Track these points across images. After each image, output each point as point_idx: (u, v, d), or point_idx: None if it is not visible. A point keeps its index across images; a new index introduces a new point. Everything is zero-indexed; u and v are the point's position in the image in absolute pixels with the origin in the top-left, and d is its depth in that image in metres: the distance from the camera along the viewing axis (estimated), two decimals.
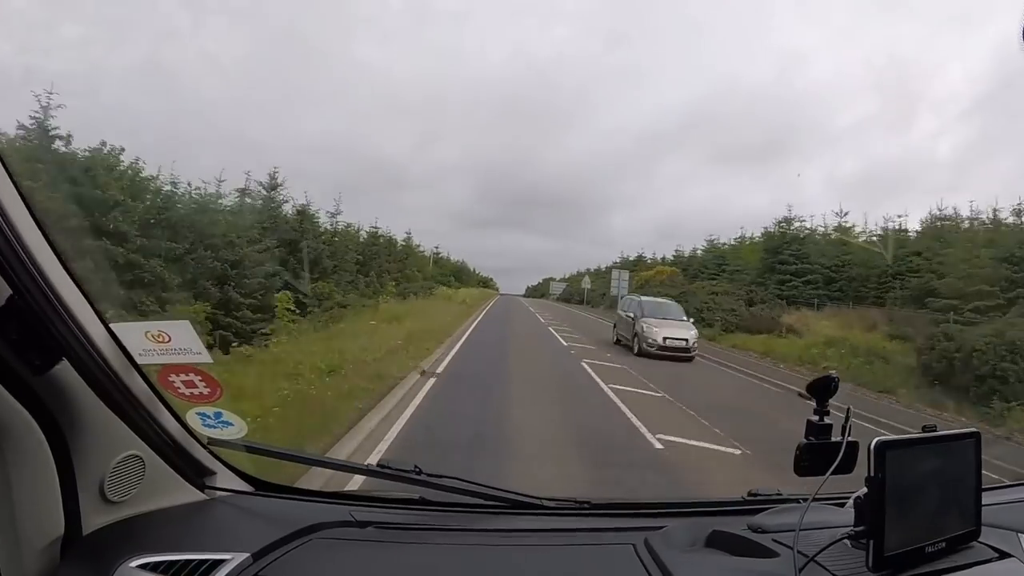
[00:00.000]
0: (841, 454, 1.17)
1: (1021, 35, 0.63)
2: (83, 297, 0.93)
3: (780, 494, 1.47)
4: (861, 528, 1.01)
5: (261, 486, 1.34)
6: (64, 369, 0.90)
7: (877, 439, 1.00)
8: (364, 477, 1.75)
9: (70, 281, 0.90)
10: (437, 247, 54.20)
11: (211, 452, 1.25)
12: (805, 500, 1.38)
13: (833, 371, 1.25)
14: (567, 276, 72.56)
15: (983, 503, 1.14)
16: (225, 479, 1.28)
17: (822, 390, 1.21)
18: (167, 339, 1.06)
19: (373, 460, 1.63)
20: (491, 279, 79.60)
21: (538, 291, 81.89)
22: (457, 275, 60.37)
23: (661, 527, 1.23)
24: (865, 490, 1.01)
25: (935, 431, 1.10)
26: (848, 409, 1.21)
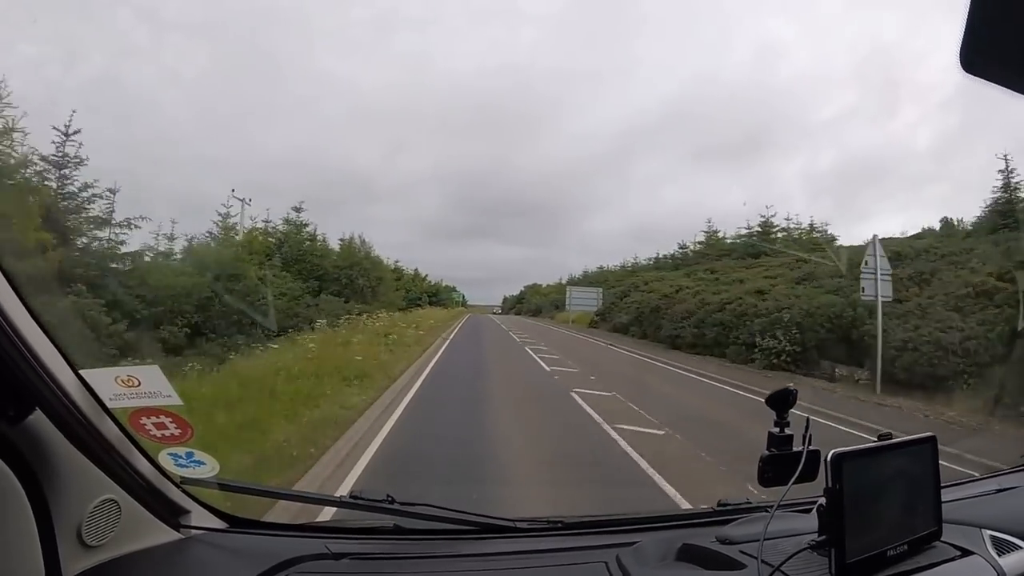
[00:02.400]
0: (802, 463, 1.22)
1: (958, 57, 0.64)
2: (52, 345, 0.94)
3: (749, 503, 1.51)
4: (823, 537, 1.06)
5: (235, 522, 1.34)
6: (38, 418, 0.91)
7: (833, 451, 1.05)
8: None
9: (40, 332, 0.91)
10: (397, 261, 45.93)
11: (185, 491, 1.26)
12: (772, 508, 1.44)
13: (791, 384, 1.30)
14: (549, 285, 65.28)
15: (949, 499, 1.19)
16: (200, 517, 1.28)
17: (781, 402, 1.26)
18: (137, 383, 1.07)
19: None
20: (454, 288, 65.86)
21: (524, 304, 71.00)
22: (432, 292, 55.11)
23: (633, 543, 1.26)
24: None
25: (891, 439, 1.15)
26: (807, 419, 1.26)
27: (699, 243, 34.58)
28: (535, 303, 62.59)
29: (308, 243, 25.34)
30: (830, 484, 1.03)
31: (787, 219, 29.88)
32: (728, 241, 32.40)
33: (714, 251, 32.13)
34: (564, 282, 58.74)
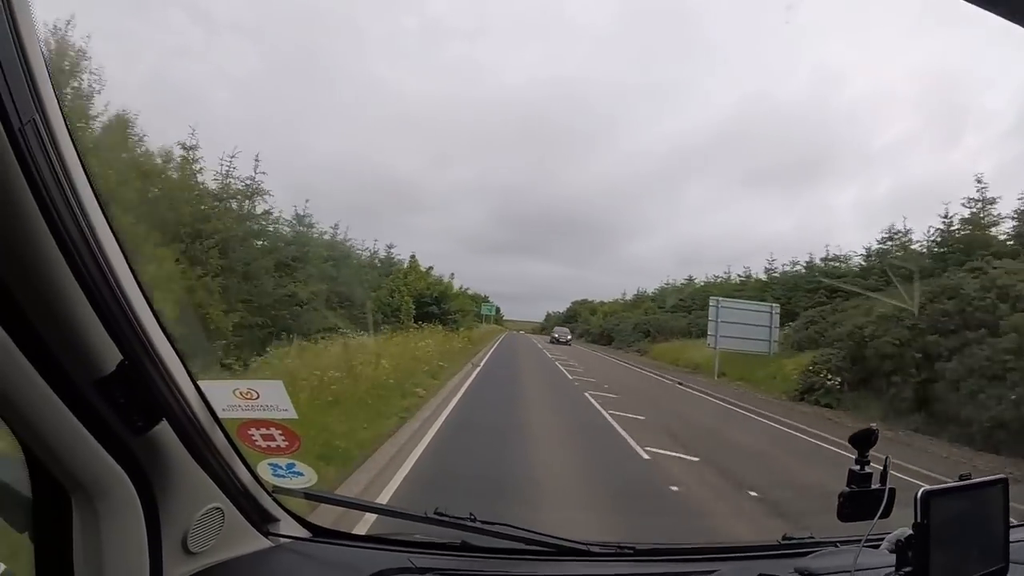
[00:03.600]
0: (884, 501, 1.26)
1: None
2: (179, 359, 0.99)
3: (813, 537, 1.53)
4: (908, 569, 1.10)
5: (318, 532, 1.39)
6: (162, 429, 0.96)
7: (923, 489, 1.10)
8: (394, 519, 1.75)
9: (169, 345, 0.97)
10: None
11: (275, 500, 1.30)
12: (838, 543, 1.46)
13: (874, 424, 1.34)
14: (607, 301, 56.17)
15: (1012, 540, 1.23)
16: (287, 526, 1.32)
17: (863, 441, 1.30)
18: (255, 396, 1.13)
19: None
20: (485, 298, 51.41)
21: (576, 323, 58.48)
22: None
23: (708, 571, 1.29)
24: (904, 531, 1.11)
25: (970, 479, 1.20)
26: (887, 458, 1.30)
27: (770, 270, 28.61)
28: (597, 325, 49.97)
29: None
30: (918, 519, 1.08)
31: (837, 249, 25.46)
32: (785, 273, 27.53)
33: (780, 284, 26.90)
34: (625, 298, 49.75)
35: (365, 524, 3.21)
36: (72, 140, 0.73)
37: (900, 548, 1.12)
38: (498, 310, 63.56)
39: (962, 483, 1.18)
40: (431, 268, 28.70)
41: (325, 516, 2.40)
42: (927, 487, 1.09)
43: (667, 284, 42.41)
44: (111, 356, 0.84)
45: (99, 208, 0.78)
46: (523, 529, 1.37)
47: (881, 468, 1.28)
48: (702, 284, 35.56)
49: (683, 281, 41.00)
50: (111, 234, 0.81)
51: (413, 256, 28.06)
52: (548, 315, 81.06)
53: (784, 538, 1.53)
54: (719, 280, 33.23)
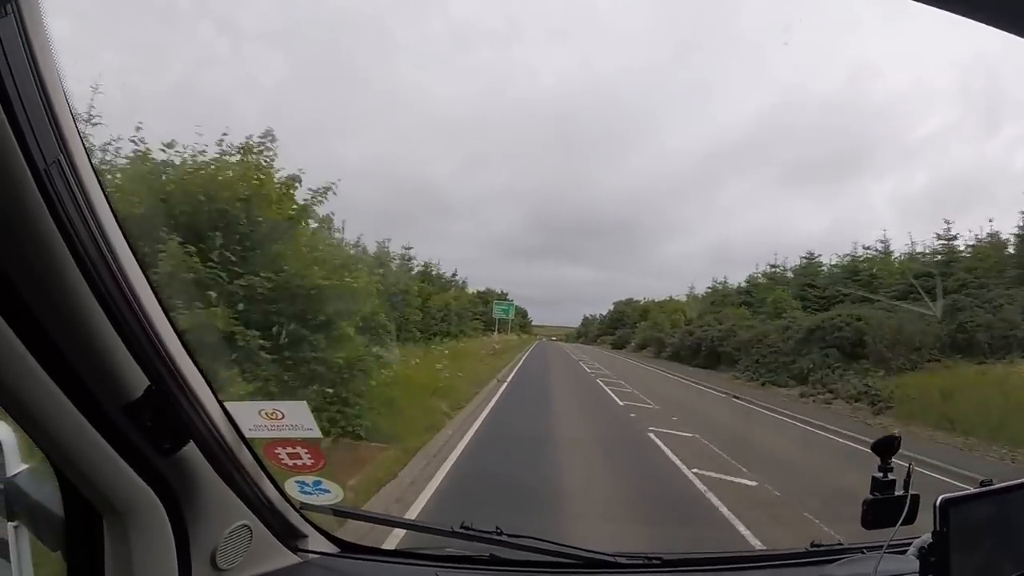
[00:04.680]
0: (907, 507, 1.23)
1: None
2: (204, 381, 1.02)
3: (842, 544, 1.51)
4: None
5: (346, 547, 1.40)
6: (189, 450, 0.99)
7: (942, 496, 1.07)
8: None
9: (195, 368, 0.99)
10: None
11: (303, 516, 1.32)
12: (865, 549, 1.43)
13: (896, 431, 1.32)
14: (665, 300, 45.58)
15: None
16: (316, 542, 1.34)
17: (885, 448, 1.28)
18: (281, 416, 1.15)
19: None
20: (503, 294, 43.16)
21: (622, 331, 50.18)
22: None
23: None
24: (927, 538, 1.08)
25: (991, 484, 1.16)
26: (910, 465, 1.28)
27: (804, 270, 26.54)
28: (663, 331, 36.27)
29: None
30: (938, 528, 1.05)
31: (877, 243, 23.81)
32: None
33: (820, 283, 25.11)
34: (686, 296, 39.90)
35: (395, 538, 3.22)
36: (97, 177, 0.76)
37: (923, 555, 1.10)
38: (524, 313, 55.00)
39: (985, 489, 1.15)
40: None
41: (355, 532, 2.44)
42: (946, 495, 1.06)
43: (757, 273, 30.49)
44: (139, 382, 0.86)
45: (124, 241, 0.81)
46: (549, 542, 1.37)
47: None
48: (844, 260, 25.60)
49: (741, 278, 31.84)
50: (137, 267, 0.84)
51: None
52: (585, 319, 71.59)
53: (812, 545, 1.51)
54: (869, 255, 24.45)
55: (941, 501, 1.06)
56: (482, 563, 1.37)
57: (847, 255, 25.77)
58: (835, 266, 26.73)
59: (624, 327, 51.93)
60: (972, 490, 1.13)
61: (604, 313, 63.99)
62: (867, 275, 23.32)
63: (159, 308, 0.92)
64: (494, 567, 1.36)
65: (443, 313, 24.78)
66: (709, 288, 36.50)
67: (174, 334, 0.94)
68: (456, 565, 1.36)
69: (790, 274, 28.74)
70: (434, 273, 27.77)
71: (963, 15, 0.52)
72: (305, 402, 1.18)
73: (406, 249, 24.64)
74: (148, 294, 0.87)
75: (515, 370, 20.76)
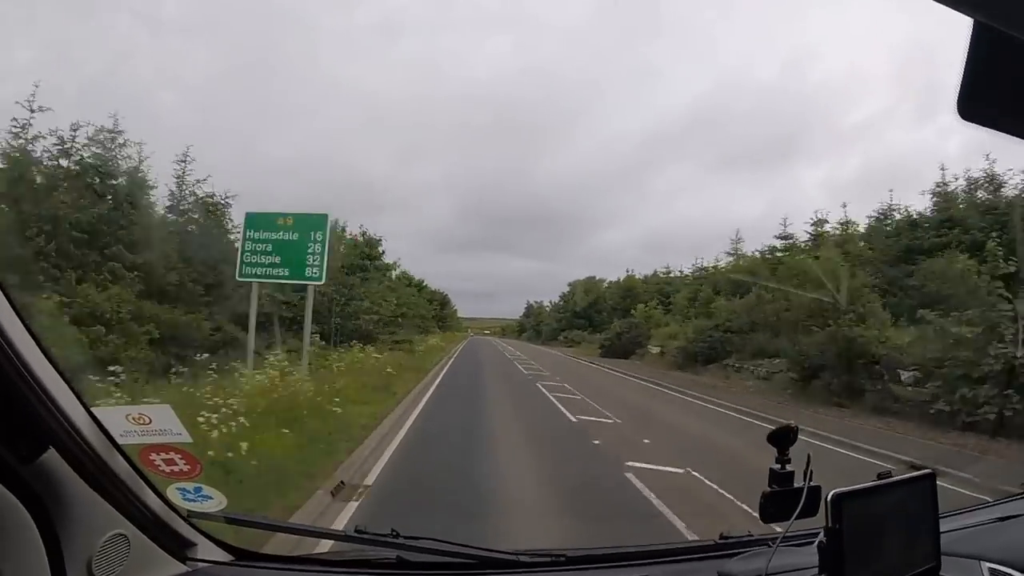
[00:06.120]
0: (803, 499, 1.24)
1: (955, 107, 0.66)
2: (65, 384, 0.96)
3: (751, 536, 1.51)
4: (824, 575, 1.07)
5: (241, 555, 1.35)
6: (51, 456, 0.93)
7: (834, 491, 1.07)
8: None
9: (54, 371, 0.94)
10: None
11: (192, 524, 1.27)
12: (774, 542, 1.44)
13: (792, 421, 1.32)
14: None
15: (951, 528, 1.20)
16: (206, 550, 1.29)
17: (782, 439, 1.27)
18: (148, 421, 1.10)
19: None
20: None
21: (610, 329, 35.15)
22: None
23: None
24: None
25: (890, 477, 1.17)
26: (808, 456, 1.28)
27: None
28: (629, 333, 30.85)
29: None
30: (830, 523, 1.05)
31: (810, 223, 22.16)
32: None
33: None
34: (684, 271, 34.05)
35: (311, 546, 3.09)
36: None
37: (821, 548, 1.09)
38: (443, 300, 42.66)
39: (880, 482, 1.15)
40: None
41: (284, 543, 2.30)
42: (838, 489, 1.07)
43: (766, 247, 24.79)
44: None
45: None
46: (449, 543, 1.34)
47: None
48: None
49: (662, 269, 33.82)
50: None
51: None
52: (530, 307, 61.72)
53: (721, 537, 1.51)
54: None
55: (832, 496, 1.06)
56: (383, 567, 1.33)
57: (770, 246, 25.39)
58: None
59: (585, 322, 41.52)
60: (866, 484, 1.13)
61: (558, 299, 52.32)
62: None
63: (8, 308, 0.86)
64: (396, 570, 1.33)
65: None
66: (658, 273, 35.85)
67: (28, 336, 0.89)
68: (356, 570, 1.32)
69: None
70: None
71: None
72: (169, 406, 1.13)
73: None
74: None
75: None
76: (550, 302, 55.88)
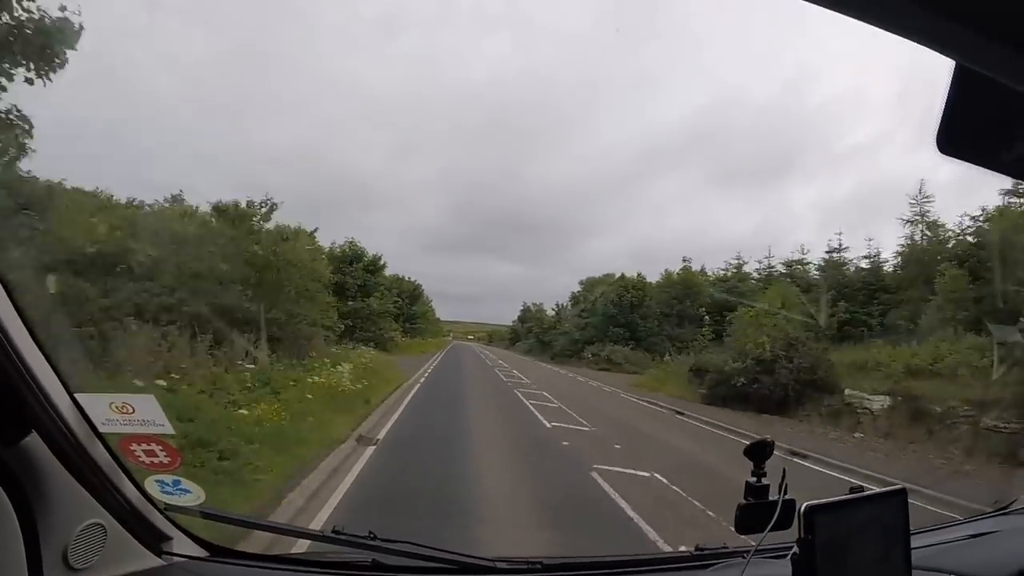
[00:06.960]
0: (777, 512, 1.26)
1: (935, 140, 0.69)
2: (51, 369, 0.96)
3: (727, 547, 1.53)
4: None
5: (216, 551, 1.34)
6: (33, 441, 0.93)
7: (807, 503, 1.08)
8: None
9: (39, 353, 0.93)
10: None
11: (168, 518, 1.26)
12: (746, 554, 1.46)
13: (768, 436, 1.34)
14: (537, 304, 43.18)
15: (923, 545, 1.22)
16: (182, 545, 1.28)
17: (758, 453, 1.29)
18: (131, 410, 1.09)
19: None
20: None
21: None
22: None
23: None
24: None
25: (862, 491, 1.19)
26: (783, 469, 1.30)
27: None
28: None
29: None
30: (802, 535, 1.06)
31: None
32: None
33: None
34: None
35: (288, 545, 3.07)
36: None
37: (795, 560, 1.11)
38: (415, 290, 36.27)
39: (852, 496, 1.16)
40: None
41: (261, 541, 2.30)
42: (811, 502, 1.08)
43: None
44: None
45: None
46: (426, 546, 1.35)
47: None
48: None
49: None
50: None
51: None
52: (526, 309, 53.63)
53: (697, 548, 1.53)
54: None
55: (805, 508, 1.07)
56: (359, 568, 1.33)
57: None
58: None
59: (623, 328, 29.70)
60: (838, 497, 1.15)
61: (567, 302, 43.35)
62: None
63: (3, 295, 0.86)
64: (372, 571, 1.33)
65: None
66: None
67: (19, 320, 0.89)
68: (331, 571, 1.32)
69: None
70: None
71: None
72: (153, 396, 1.13)
73: None
74: None
75: None
76: (557, 304, 46.91)
